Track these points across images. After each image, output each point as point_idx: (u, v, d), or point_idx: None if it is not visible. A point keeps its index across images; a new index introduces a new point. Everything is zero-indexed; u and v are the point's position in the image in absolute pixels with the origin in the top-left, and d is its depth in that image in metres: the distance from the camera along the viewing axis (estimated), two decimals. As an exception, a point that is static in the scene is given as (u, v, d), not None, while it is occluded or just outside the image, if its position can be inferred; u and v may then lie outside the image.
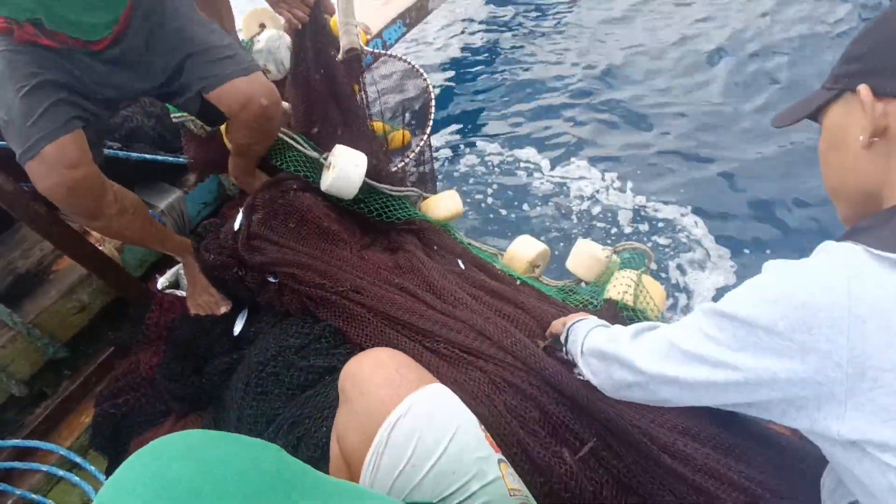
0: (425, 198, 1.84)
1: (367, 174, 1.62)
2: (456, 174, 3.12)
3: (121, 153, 1.76)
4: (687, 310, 2.33)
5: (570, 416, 1.04)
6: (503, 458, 0.85)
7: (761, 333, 0.58)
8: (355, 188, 1.61)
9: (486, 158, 3.16)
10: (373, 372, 0.88)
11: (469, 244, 1.70)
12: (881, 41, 0.61)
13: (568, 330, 1.03)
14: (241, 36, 2.10)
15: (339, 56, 1.98)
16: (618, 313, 1.34)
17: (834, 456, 0.59)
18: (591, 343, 0.89)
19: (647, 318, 1.32)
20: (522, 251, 1.65)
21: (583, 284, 1.62)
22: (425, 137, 2.00)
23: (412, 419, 0.80)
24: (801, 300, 0.55)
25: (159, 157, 1.85)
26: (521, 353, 1.15)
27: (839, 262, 0.56)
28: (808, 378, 0.55)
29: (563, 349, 1.04)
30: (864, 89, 0.61)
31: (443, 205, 1.76)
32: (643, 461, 0.98)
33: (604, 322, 1.01)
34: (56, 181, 1.15)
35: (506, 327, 1.23)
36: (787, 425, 0.62)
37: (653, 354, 0.72)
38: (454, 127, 3.46)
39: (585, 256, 1.59)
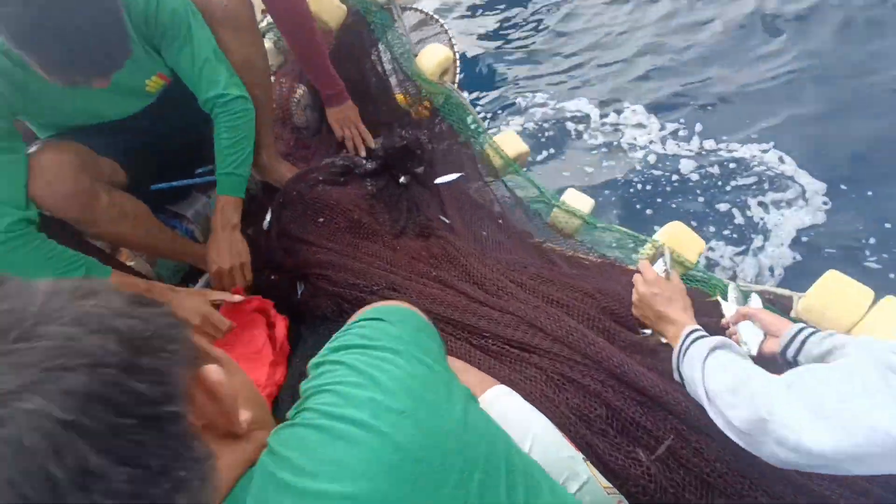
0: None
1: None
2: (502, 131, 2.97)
3: (164, 185, 1.65)
4: (760, 252, 2.09)
5: (640, 412, 0.94)
6: (585, 457, 0.78)
7: None
8: None
9: (531, 112, 2.95)
10: None
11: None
12: None
13: (680, 353, 0.87)
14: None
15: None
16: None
17: None
18: (715, 385, 0.73)
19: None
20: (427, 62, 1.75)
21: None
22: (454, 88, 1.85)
23: None
24: None
25: (197, 181, 1.76)
26: (578, 343, 1.05)
27: None
28: None
29: (677, 373, 0.88)
30: None
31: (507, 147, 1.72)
32: (729, 457, 0.88)
33: (724, 341, 0.82)
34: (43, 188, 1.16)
35: (559, 316, 1.12)
36: None
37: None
38: (493, 86, 3.24)
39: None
